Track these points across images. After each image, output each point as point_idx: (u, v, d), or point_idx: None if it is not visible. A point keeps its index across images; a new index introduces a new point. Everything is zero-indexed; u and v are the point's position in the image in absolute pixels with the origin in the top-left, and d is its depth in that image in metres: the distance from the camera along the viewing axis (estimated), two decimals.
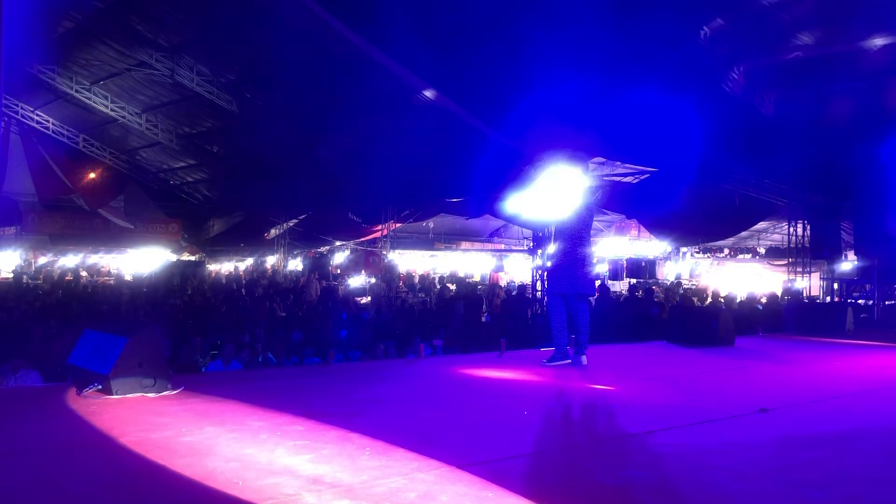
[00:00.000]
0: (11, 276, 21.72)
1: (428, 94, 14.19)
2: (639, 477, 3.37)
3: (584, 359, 6.61)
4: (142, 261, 26.82)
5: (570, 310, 6.75)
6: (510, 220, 20.36)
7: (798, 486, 3.29)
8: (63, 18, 17.58)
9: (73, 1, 16.55)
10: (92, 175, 25.06)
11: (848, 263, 16.20)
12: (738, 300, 15.66)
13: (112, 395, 4.49)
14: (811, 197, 15.02)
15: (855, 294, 15.37)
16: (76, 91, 21.81)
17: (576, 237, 6.68)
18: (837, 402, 5.50)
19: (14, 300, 14.21)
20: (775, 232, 21.15)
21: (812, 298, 16.25)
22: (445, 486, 3.13)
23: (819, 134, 12.78)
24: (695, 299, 17.00)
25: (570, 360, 6.55)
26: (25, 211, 25.56)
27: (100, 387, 4.54)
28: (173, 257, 27.58)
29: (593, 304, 7.44)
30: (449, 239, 27.38)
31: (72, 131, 25.78)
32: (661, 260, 21.97)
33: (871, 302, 14.28)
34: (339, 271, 25.13)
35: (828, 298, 15.91)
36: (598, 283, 18.78)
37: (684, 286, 20.61)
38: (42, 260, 26.74)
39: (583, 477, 3.36)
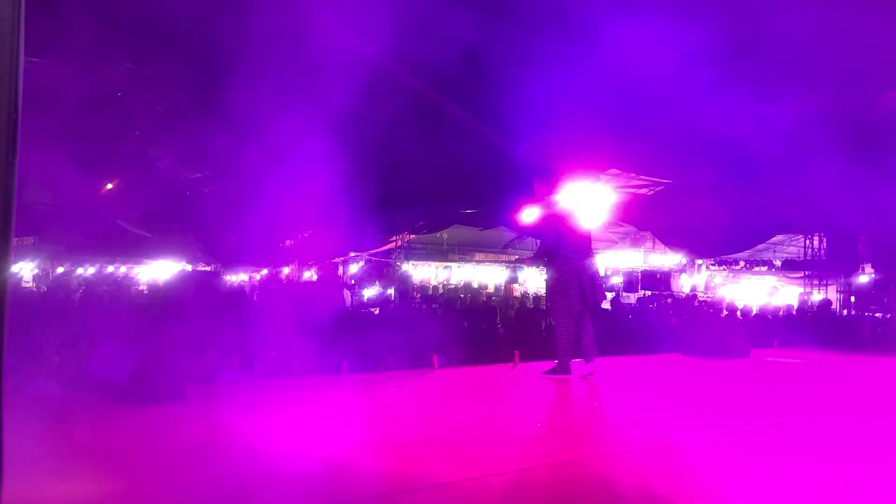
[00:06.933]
0: (32, 285, 21.90)
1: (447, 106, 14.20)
2: (653, 489, 3.36)
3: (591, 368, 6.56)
4: (158, 271, 27.00)
5: (581, 322, 6.67)
6: (524, 232, 20.35)
7: (818, 499, 3.27)
8: (81, 30, 17.78)
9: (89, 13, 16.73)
10: (109, 185, 25.21)
11: (865, 276, 16.09)
12: (754, 312, 15.59)
13: (128, 404, 4.52)
14: (828, 209, 14.92)
15: (872, 307, 15.26)
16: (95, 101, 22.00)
17: (579, 249, 6.62)
18: (854, 414, 5.46)
19: (34, 309, 14.32)
20: (791, 244, 21.00)
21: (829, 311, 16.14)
22: (468, 499, 3.14)
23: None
24: (710, 311, 16.92)
25: (570, 375, 6.50)
26: (43, 220, 25.71)
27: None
28: (189, 268, 27.70)
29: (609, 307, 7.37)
30: (463, 250, 27.37)
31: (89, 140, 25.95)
32: (676, 272, 21.87)
33: (888, 315, 14.18)
34: (353, 282, 25.17)
35: (844, 311, 15.80)
36: (611, 294, 18.76)
37: (700, 298, 20.52)
38: (60, 269, 26.96)
39: (598, 488, 3.35)
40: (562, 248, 6.55)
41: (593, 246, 6.91)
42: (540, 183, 6.63)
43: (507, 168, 13.93)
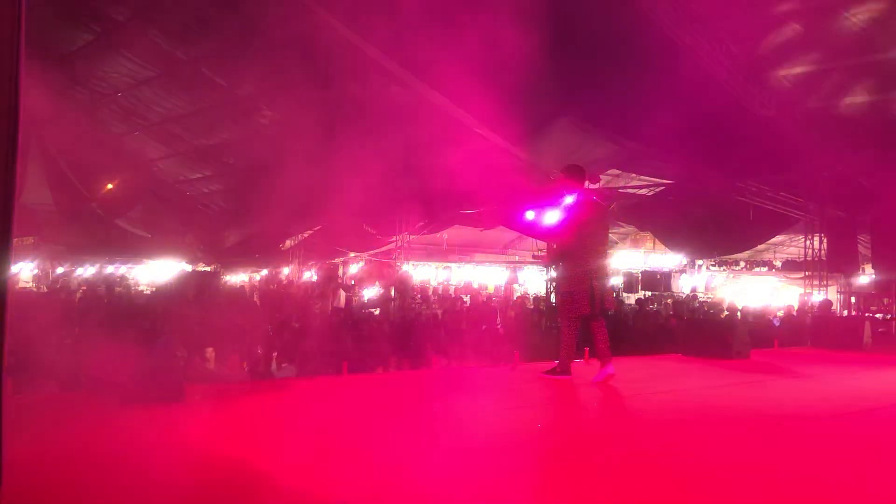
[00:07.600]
0: (31, 285, 21.90)
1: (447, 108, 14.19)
2: (655, 489, 3.35)
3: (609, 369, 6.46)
4: (157, 271, 26.99)
5: (592, 326, 6.55)
6: (534, 234, 20.31)
7: (817, 500, 3.27)
8: (82, 31, 17.79)
9: (92, 14, 16.74)
10: (109, 186, 25.24)
11: (865, 277, 16.07)
12: (754, 313, 15.60)
13: (126, 403, 4.51)
14: (828, 210, 14.91)
15: (872, 308, 15.24)
16: (93, 102, 22.03)
17: (593, 253, 6.53)
18: (854, 416, 5.45)
19: (32, 310, 14.29)
20: (791, 245, 21.01)
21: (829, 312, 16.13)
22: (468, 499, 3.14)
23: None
24: (710, 311, 16.93)
25: (570, 377, 6.45)
26: (43, 221, 25.69)
27: None
28: (189, 268, 27.67)
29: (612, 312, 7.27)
30: (463, 251, 27.36)
31: (91, 142, 25.97)
32: (676, 272, 21.85)
33: (889, 316, 14.16)
34: (353, 282, 25.16)
35: (845, 312, 15.78)
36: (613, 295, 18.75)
37: (700, 298, 20.53)
38: (59, 270, 26.96)
39: (599, 488, 3.35)
40: (577, 250, 6.46)
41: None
42: (568, 177, 6.53)
43: (518, 168, 13.92)
